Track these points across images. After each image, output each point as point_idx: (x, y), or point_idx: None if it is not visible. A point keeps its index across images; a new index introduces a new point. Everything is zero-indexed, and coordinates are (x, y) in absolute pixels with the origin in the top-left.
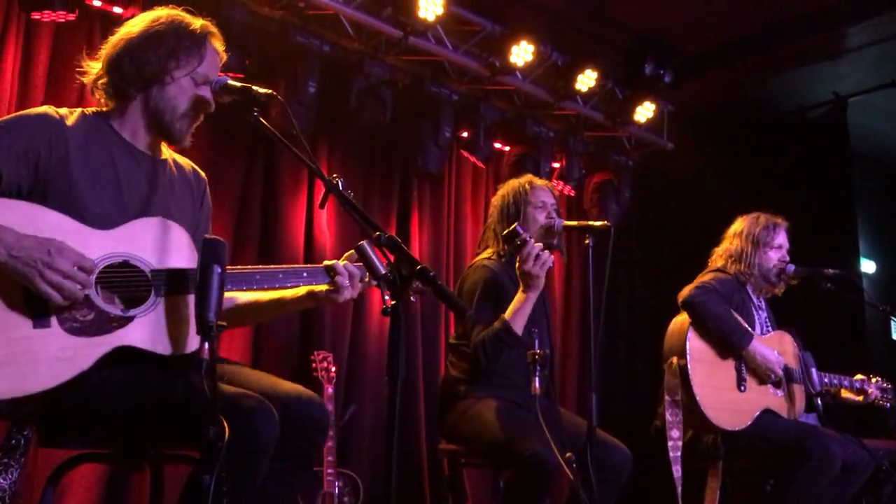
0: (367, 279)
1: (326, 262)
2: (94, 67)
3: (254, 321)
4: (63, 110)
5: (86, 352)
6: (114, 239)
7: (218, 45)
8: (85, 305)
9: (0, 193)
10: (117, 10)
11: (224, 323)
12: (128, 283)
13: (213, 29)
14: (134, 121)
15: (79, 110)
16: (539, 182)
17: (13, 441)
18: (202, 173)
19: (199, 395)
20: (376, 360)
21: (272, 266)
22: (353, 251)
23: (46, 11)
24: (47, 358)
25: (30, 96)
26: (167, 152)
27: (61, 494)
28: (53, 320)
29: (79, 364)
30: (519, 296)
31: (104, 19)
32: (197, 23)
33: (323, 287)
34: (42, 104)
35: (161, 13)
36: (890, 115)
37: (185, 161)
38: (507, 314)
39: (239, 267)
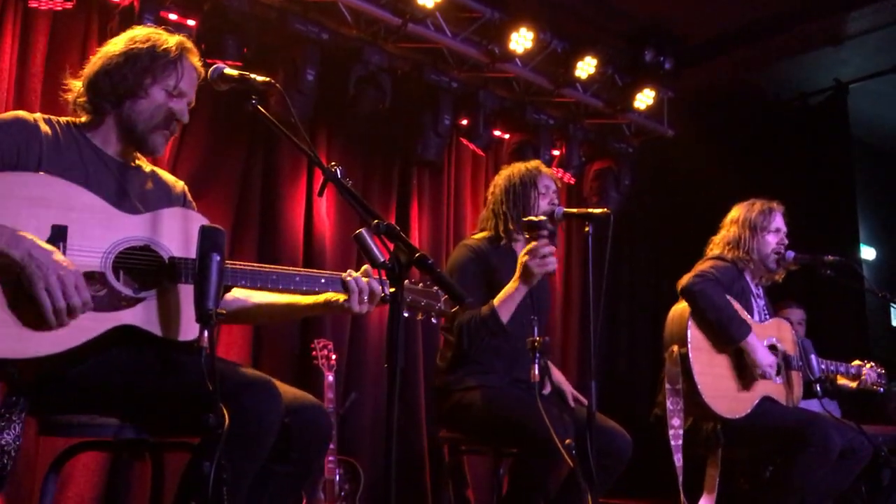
0: (382, 296)
1: (345, 274)
2: (75, 86)
3: (264, 322)
4: (36, 115)
5: (91, 325)
6: (140, 223)
7: (195, 60)
8: (99, 282)
9: None
10: None
11: (223, 311)
12: (146, 266)
13: (190, 45)
14: (106, 131)
15: (49, 116)
16: (545, 169)
17: (14, 397)
18: (181, 183)
19: (199, 381)
20: (377, 348)
21: (290, 268)
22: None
23: None
24: None
25: (27, 85)
26: (147, 165)
27: (63, 483)
28: None
29: (82, 335)
30: (512, 284)
31: (102, 7)
32: (173, 40)
33: (340, 297)
34: (40, 93)
35: (139, 33)
36: (891, 102)
37: (164, 173)
38: (496, 301)
39: (257, 265)
